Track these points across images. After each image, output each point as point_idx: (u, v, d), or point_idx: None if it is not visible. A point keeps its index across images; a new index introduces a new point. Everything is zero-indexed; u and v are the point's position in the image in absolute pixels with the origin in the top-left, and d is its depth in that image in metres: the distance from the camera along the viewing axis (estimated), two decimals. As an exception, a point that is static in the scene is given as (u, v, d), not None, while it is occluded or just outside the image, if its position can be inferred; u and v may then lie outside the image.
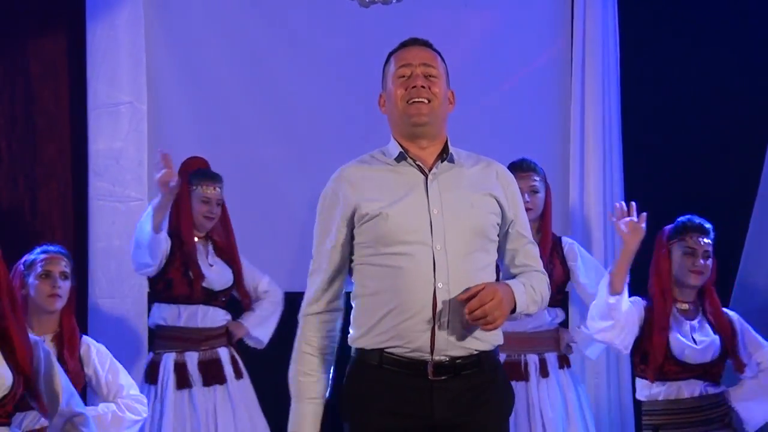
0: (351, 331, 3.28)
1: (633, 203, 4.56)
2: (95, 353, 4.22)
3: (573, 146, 5.77)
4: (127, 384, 4.25)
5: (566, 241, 5.12)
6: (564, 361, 5.04)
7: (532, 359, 4.95)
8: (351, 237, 3.29)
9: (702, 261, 4.45)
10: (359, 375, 3.24)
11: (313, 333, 3.31)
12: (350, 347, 3.30)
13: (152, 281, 5.09)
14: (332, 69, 5.79)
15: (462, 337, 3.17)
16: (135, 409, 4.23)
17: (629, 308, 4.46)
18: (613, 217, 4.60)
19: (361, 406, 3.22)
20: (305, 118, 5.77)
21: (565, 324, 5.17)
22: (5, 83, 5.59)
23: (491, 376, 3.24)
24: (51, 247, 4.34)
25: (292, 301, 5.26)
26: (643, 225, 4.49)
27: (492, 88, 5.80)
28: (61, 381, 3.47)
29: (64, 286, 4.27)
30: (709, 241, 4.49)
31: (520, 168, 4.88)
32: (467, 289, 3.13)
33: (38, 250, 4.34)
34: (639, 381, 4.56)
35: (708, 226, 4.52)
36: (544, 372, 4.95)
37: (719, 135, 5.80)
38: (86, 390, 4.43)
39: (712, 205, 5.20)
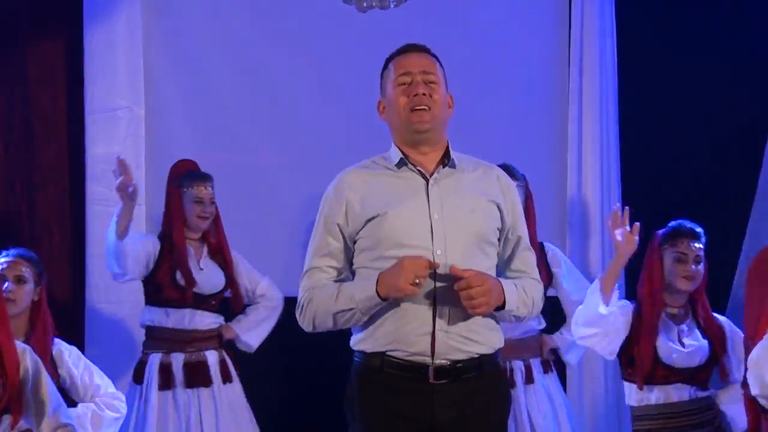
0: (353, 333, 3.30)
1: (627, 209, 4.55)
2: (68, 355, 4.16)
3: (570, 146, 5.76)
4: (103, 383, 4.19)
5: (549, 247, 5.14)
6: (547, 367, 5.08)
7: (518, 365, 4.99)
8: (352, 241, 3.30)
9: (693, 266, 4.40)
10: (362, 378, 3.26)
11: (318, 278, 3.30)
12: (353, 350, 3.31)
13: (143, 284, 5.09)
14: (330, 74, 5.78)
15: (463, 341, 3.19)
16: (114, 406, 4.16)
17: (616, 314, 4.42)
18: (609, 220, 4.59)
19: (365, 408, 3.23)
20: (303, 123, 5.75)
21: (546, 331, 5.17)
22: (3, 87, 5.59)
23: (491, 380, 3.27)
24: (12, 251, 4.29)
25: (286, 305, 5.28)
26: (637, 237, 4.50)
27: (489, 89, 5.79)
28: (48, 390, 3.44)
29: (19, 290, 4.19)
30: (701, 245, 4.42)
31: None
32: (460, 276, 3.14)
33: (3, 254, 4.29)
34: (627, 386, 4.50)
35: (699, 230, 4.47)
36: (529, 378, 4.99)
37: (717, 136, 5.79)
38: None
39: (709, 205, 5.20)
